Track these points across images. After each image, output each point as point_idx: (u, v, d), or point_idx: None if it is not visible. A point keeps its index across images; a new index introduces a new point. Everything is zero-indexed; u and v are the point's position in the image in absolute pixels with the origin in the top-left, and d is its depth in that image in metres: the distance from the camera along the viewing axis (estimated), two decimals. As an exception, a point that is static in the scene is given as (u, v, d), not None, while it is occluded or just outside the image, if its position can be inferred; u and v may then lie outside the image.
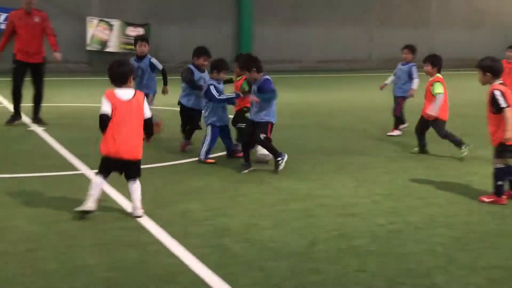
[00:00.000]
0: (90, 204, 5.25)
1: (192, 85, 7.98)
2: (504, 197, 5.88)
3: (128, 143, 5.29)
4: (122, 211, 5.53)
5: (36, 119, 10.09)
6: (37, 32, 9.85)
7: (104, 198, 5.86)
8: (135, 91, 5.43)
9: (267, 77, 7.20)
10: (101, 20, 20.96)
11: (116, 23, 21.12)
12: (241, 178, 6.84)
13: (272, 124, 7.17)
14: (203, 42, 21.64)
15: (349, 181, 6.78)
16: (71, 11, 20.51)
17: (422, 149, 8.25)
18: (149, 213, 5.44)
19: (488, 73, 5.96)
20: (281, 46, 23.31)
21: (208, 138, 7.56)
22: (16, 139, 8.95)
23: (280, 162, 7.03)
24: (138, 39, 9.28)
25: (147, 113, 5.42)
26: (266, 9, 23.47)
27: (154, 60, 9.09)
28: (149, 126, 5.48)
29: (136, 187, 5.39)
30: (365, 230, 5.12)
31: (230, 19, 23.15)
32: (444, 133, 8.06)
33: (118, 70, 5.38)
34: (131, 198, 5.42)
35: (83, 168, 7.14)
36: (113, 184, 6.33)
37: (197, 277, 4.12)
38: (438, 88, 7.85)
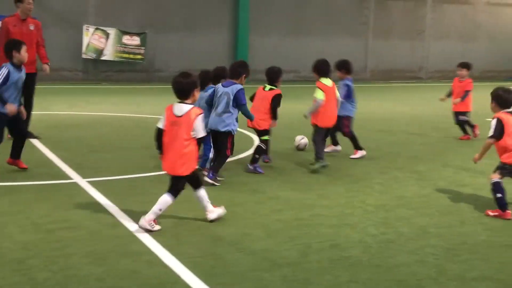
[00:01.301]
0: (143, 221, 5.20)
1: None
2: (509, 211, 5.81)
3: (170, 159, 5.33)
4: (114, 221, 5.53)
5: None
6: (32, 41, 9.49)
7: (97, 208, 5.88)
8: (191, 108, 5.31)
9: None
10: (97, 29, 21.02)
11: (112, 31, 21.19)
12: (236, 187, 6.85)
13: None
14: (200, 51, 22.02)
15: (342, 191, 6.79)
16: (67, 19, 20.57)
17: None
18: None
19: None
20: (277, 56, 23.38)
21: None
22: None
23: (208, 180, 6.79)
24: (22, 43, 7.25)
25: (200, 133, 5.32)
26: (263, 19, 23.58)
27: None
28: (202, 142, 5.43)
29: (198, 196, 5.51)
30: (358, 241, 5.13)
31: (227, 28, 23.25)
32: (317, 139, 7.83)
33: (181, 84, 5.34)
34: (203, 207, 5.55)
35: (77, 177, 7.14)
36: (106, 194, 6.35)
37: (188, 287, 4.13)
38: (318, 94, 7.63)
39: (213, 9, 22.97)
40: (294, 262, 4.60)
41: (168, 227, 5.37)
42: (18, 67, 7.13)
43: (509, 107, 6.07)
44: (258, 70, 23.66)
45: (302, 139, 9.17)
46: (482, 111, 14.73)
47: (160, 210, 5.28)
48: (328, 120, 7.90)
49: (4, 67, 7.03)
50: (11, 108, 7.01)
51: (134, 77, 21.71)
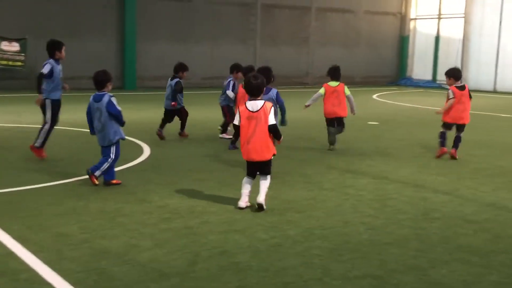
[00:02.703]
0: (241, 203, 6.26)
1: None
2: (444, 148, 9.27)
3: (254, 148, 6.11)
4: (-10, 237, 5.18)
5: None
6: None
7: (-30, 225, 5.50)
8: (264, 103, 6.07)
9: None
10: (-29, 34, 19.73)
11: (-11, 37, 19.99)
12: (122, 198, 6.67)
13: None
14: (86, 57, 21.30)
15: (231, 197, 6.81)
16: None
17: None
18: (21, 239, 5.14)
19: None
20: (166, 62, 23.17)
21: (114, 155, 7.22)
22: None
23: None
24: (63, 44, 8.81)
25: (271, 121, 6.08)
26: (150, 26, 23.27)
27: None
28: (272, 131, 6.16)
29: (264, 181, 6.26)
30: (247, 246, 5.16)
31: (114, 35, 22.71)
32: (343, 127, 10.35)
33: (253, 84, 6.08)
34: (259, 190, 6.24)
35: None
36: (-19, 209, 5.95)
37: (71, 304, 3.95)
38: (348, 90, 10.22)
39: (98, 15, 22.34)
40: (183, 272, 4.55)
41: (49, 242, 5.11)
42: (57, 61, 8.62)
43: (459, 81, 9.24)
44: (146, 76, 23.40)
45: None
46: (364, 115, 15.45)
47: (250, 192, 6.31)
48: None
49: (48, 63, 8.50)
50: (40, 98, 8.49)
51: (13, 84, 20.58)
